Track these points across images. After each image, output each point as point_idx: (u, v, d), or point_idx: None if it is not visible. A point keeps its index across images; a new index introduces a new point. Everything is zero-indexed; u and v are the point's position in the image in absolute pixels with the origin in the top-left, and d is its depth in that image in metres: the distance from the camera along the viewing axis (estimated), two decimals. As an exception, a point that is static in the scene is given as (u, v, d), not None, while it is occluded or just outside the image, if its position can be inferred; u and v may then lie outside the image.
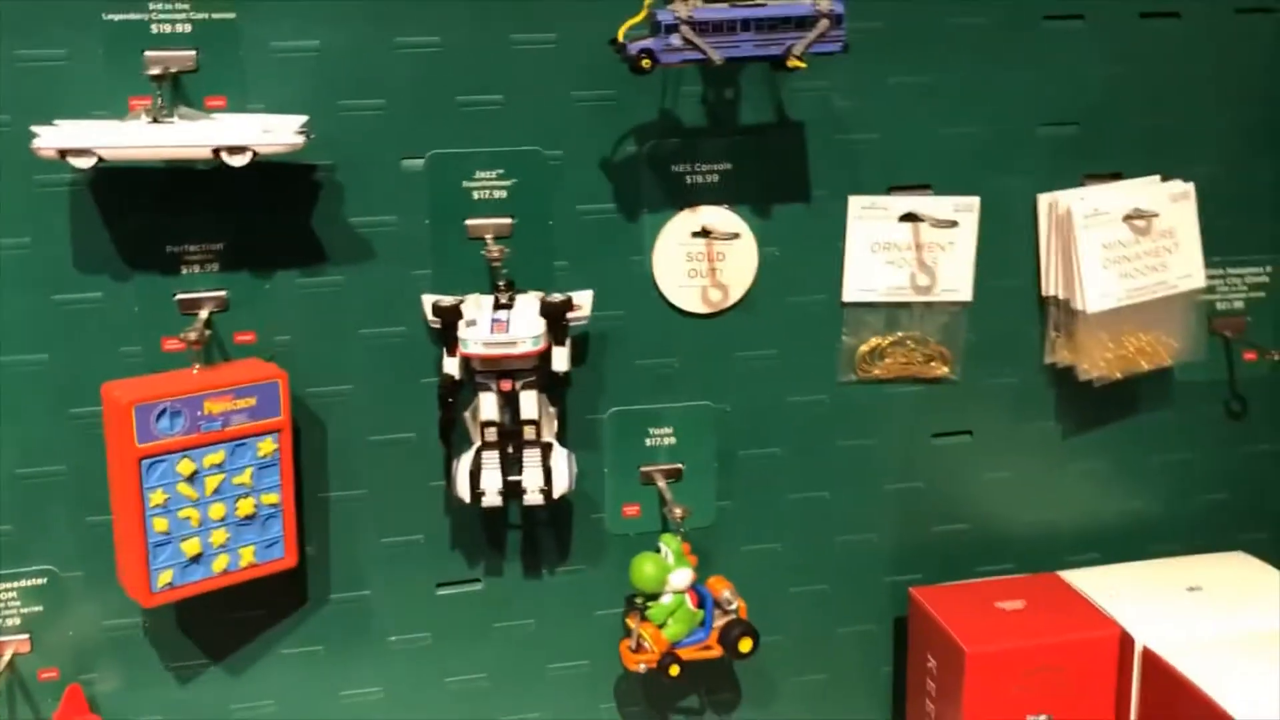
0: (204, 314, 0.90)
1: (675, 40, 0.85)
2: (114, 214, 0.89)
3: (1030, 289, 1.05)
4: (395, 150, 0.93)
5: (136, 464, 0.84)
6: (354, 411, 0.96)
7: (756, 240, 0.99)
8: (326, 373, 0.94)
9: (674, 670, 0.95)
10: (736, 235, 0.98)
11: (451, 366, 0.92)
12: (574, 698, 1.05)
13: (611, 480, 1.01)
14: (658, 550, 0.97)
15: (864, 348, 1.03)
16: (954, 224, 1.00)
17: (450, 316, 0.90)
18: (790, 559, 1.06)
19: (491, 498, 0.92)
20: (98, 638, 0.95)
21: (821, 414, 1.04)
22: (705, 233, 0.98)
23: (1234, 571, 1.07)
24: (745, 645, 0.97)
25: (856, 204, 1.00)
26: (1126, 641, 0.96)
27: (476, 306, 0.91)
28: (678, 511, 0.98)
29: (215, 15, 0.87)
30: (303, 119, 0.85)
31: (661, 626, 0.96)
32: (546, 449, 0.93)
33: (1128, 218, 1.02)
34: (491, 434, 0.93)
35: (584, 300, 0.93)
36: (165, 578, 0.87)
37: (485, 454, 0.93)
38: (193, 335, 0.87)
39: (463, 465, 0.93)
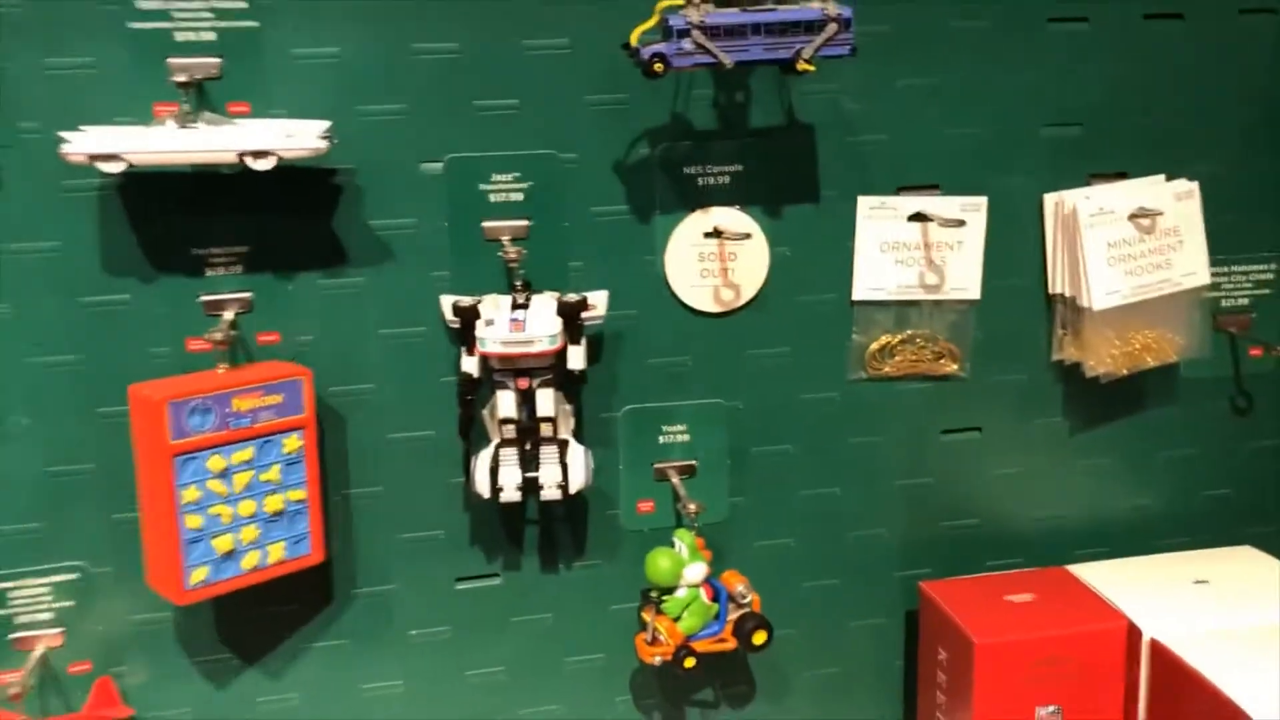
0: (229, 315, 0.92)
1: (687, 45, 0.87)
2: (140, 218, 0.91)
3: (1037, 287, 1.07)
4: (414, 154, 0.95)
5: (170, 461, 0.85)
6: (375, 410, 0.98)
7: (767, 240, 1.01)
8: (348, 372, 0.97)
9: (689, 662, 0.97)
10: (748, 236, 1.00)
11: (470, 365, 0.94)
12: (590, 690, 1.07)
13: (626, 477, 1.03)
14: (672, 545, 0.99)
15: (874, 346, 1.05)
16: (962, 223, 1.02)
17: (469, 316, 0.92)
18: (802, 554, 1.08)
19: (510, 493, 0.94)
20: (127, 631, 0.97)
21: (832, 411, 1.06)
22: (717, 233, 0.99)
23: (1240, 565, 1.08)
24: (759, 638, 0.98)
25: (866, 204, 1.02)
26: (1134, 633, 0.97)
27: (494, 306, 0.93)
28: (691, 507, 1.00)
29: (238, 24, 0.90)
30: (325, 124, 0.87)
31: (676, 620, 0.97)
32: (563, 445, 0.95)
33: (1133, 216, 1.04)
34: (509, 431, 0.95)
35: (599, 300, 0.95)
36: (199, 575, 0.88)
37: (503, 451, 0.95)
38: (219, 336, 0.89)
39: (482, 462, 0.95)
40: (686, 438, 1.03)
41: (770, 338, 1.03)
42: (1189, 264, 1.06)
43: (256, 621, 0.99)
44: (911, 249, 1.03)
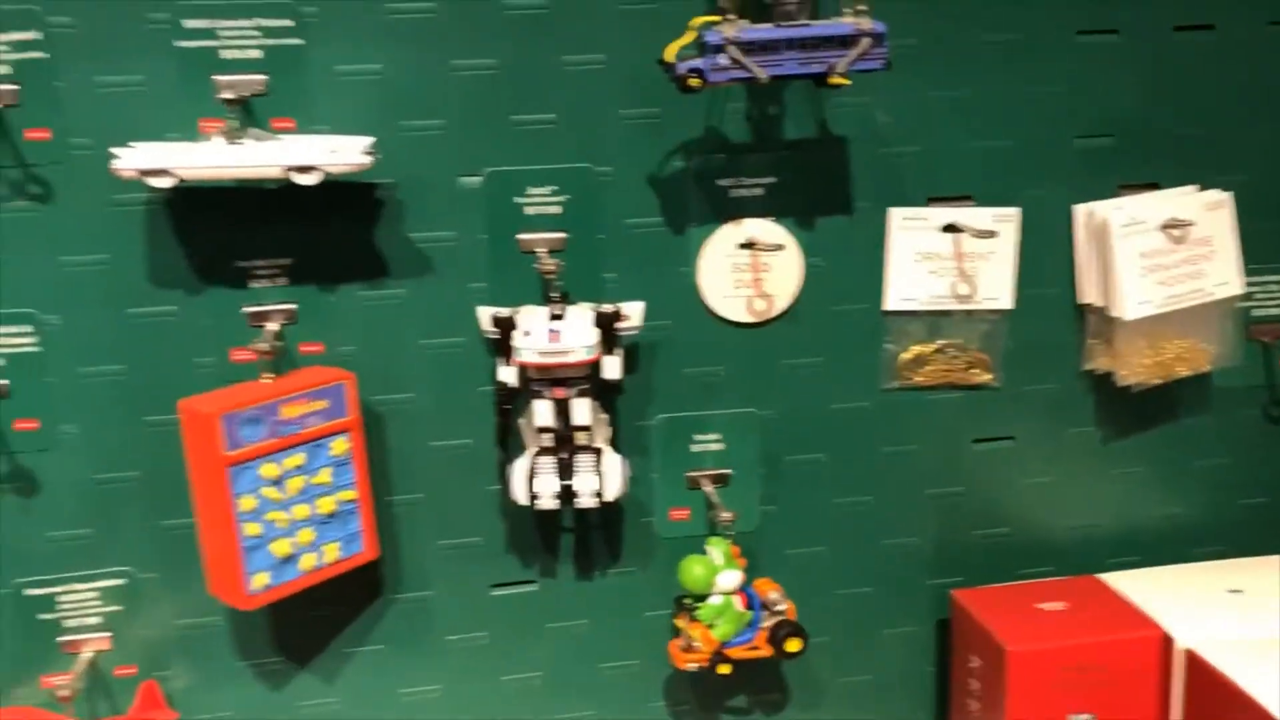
0: (274, 326, 0.94)
1: (722, 60, 0.88)
2: (186, 231, 0.94)
3: (1069, 297, 1.07)
4: (453, 168, 0.96)
5: (225, 472, 0.87)
6: (414, 419, 0.99)
7: (800, 251, 1.02)
8: (388, 382, 0.98)
9: (724, 669, 0.98)
10: (781, 247, 1.01)
11: (508, 375, 0.95)
12: (625, 696, 1.08)
13: (660, 484, 1.05)
14: (706, 553, 1.00)
15: (906, 355, 1.06)
16: (993, 234, 1.03)
17: (507, 327, 0.94)
18: (834, 562, 1.09)
19: (547, 501, 0.96)
20: (173, 636, 0.99)
21: (864, 420, 1.06)
22: (750, 245, 1.01)
23: (1275, 575, 1.08)
24: (793, 645, 0.99)
25: (898, 215, 1.03)
26: (1168, 643, 0.98)
27: (531, 317, 0.94)
28: (725, 516, 1.01)
29: (284, 41, 0.92)
30: (369, 140, 0.89)
31: (710, 627, 0.99)
32: (599, 454, 0.97)
33: (1164, 227, 1.04)
34: (546, 440, 0.96)
35: (634, 311, 0.96)
36: (260, 580, 0.90)
37: (540, 459, 0.96)
38: (264, 347, 0.91)
39: (519, 470, 0.97)
40: (720, 446, 1.04)
41: (803, 347, 1.04)
42: (1221, 274, 1.07)
43: (299, 626, 1.01)
44: (944, 259, 1.04)
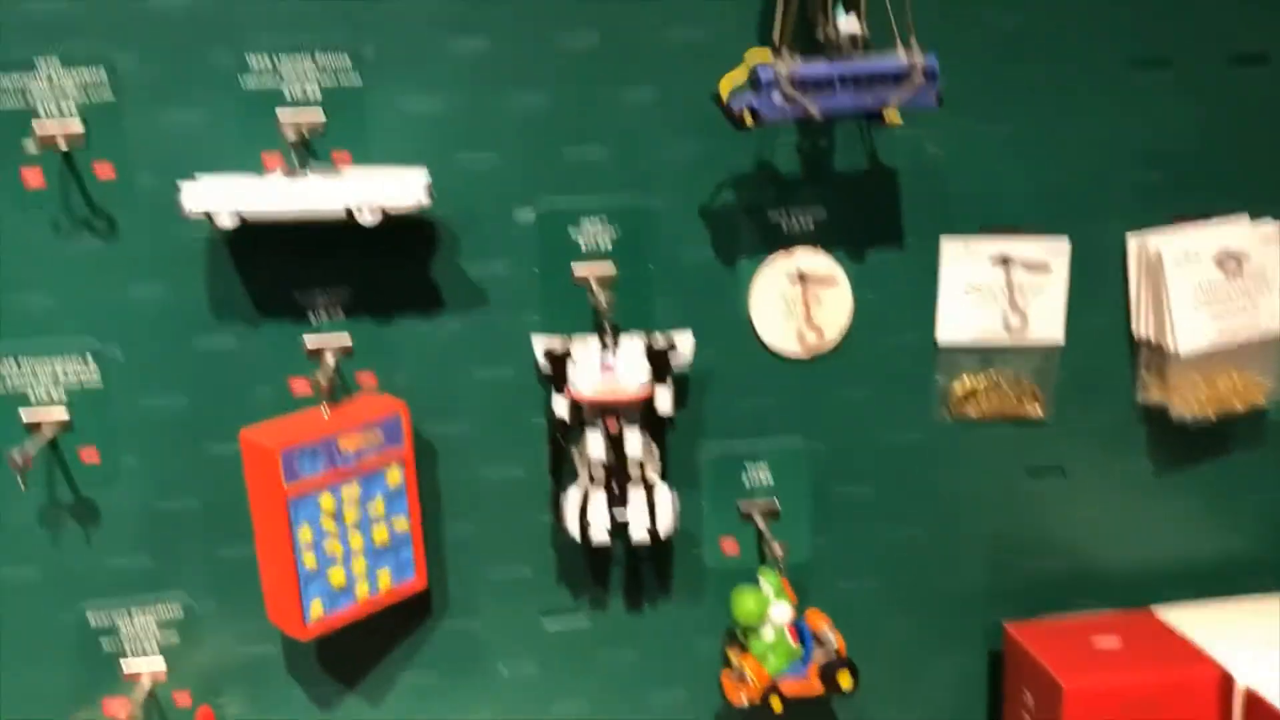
0: (332, 359, 0.95)
1: (777, 97, 0.89)
2: (246, 264, 0.95)
3: (1121, 329, 1.07)
4: (507, 202, 0.97)
5: (285, 504, 0.89)
6: (467, 449, 1.00)
7: (851, 284, 1.02)
8: (442, 412, 0.99)
9: (776, 703, 0.98)
10: (831, 279, 1.01)
11: (560, 407, 0.96)
12: (674, 728, 1.08)
13: (710, 516, 1.05)
14: (757, 585, 1.00)
15: (957, 388, 1.05)
16: (1045, 267, 1.03)
17: (559, 359, 0.95)
18: (885, 595, 1.08)
19: (600, 535, 0.96)
20: (228, 662, 1.00)
21: (916, 453, 1.06)
22: (801, 277, 1.01)
23: (1333, 611, 1.07)
24: (846, 681, 0.99)
25: (949, 247, 1.03)
26: (1228, 681, 0.96)
27: (584, 349, 0.95)
28: (776, 548, 1.01)
29: (343, 80, 0.93)
30: (424, 174, 0.90)
31: (762, 659, 0.98)
32: (651, 487, 0.97)
33: (1218, 259, 1.04)
34: (598, 472, 0.97)
35: (685, 343, 0.97)
36: (317, 610, 0.91)
37: (592, 491, 0.97)
38: (323, 379, 0.93)
39: (571, 502, 0.97)
40: (770, 479, 1.05)
41: (853, 380, 1.04)
42: (1276, 307, 1.06)
43: (351, 654, 1.02)
44: (995, 292, 1.04)
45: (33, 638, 0.98)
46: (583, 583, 1.05)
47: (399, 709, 1.04)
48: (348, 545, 0.92)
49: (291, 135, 0.91)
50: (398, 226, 0.95)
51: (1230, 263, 1.04)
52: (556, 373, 0.95)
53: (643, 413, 0.95)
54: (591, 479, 0.97)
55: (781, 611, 0.99)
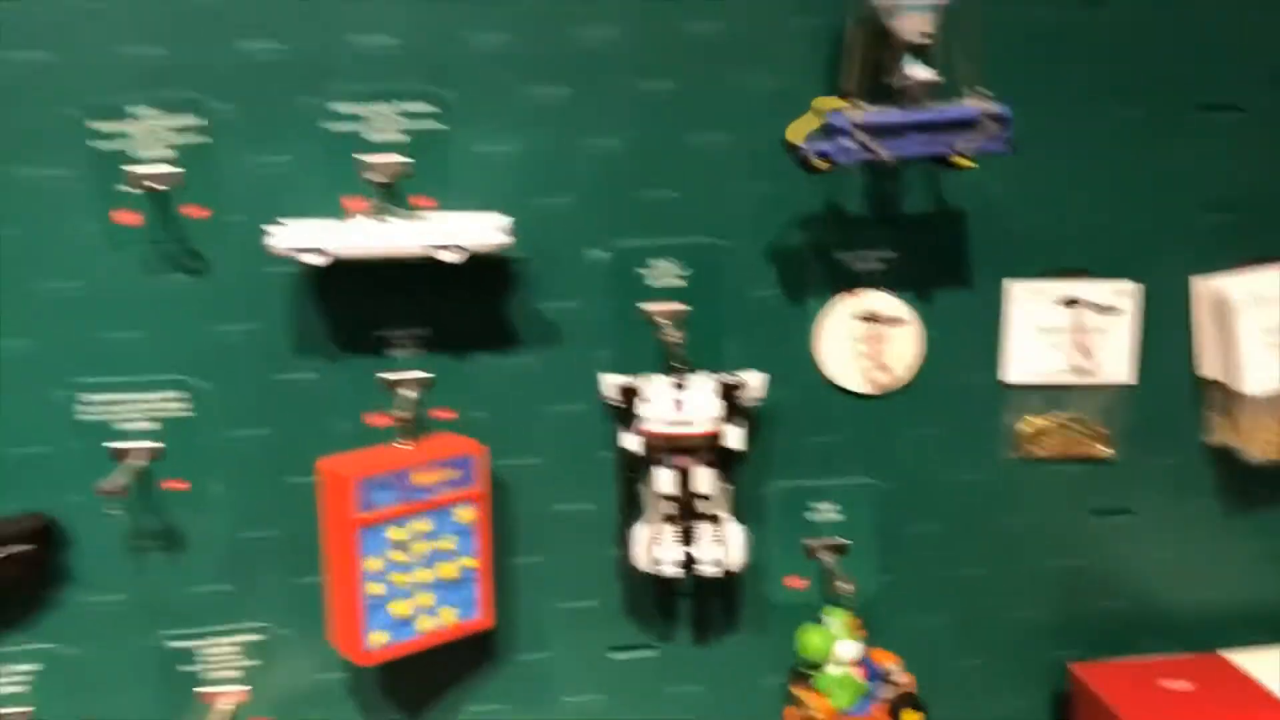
0: (410, 393, 0.98)
1: (849, 142, 0.91)
2: (329, 302, 0.98)
3: (1189, 370, 1.07)
4: (581, 242, 1.00)
5: (355, 532, 0.91)
6: (539, 483, 1.02)
7: (919, 323, 1.03)
8: (516, 447, 1.01)
9: (842, 741, 0.99)
10: (899, 319, 1.03)
11: (631, 442, 0.98)
12: (739, 762, 1.09)
13: (777, 552, 1.06)
14: (823, 622, 1.01)
15: (1025, 428, 1.06)
16: (1113, 308, 1.03)
17: (630, 396, 0.97)
18: (951, 633, 1.09)
19: (669, 568, 0.98)
20: (306, 689, 1.03)
21: (983, 492, 1.07)
22: (870, 317, 1.02)
23: None
24: (911, 718, 0.99)
25: (1017, 288, 1.04)
26: (1301, 727, 0.96)
27: (654, 386, 0.97)
28: (844, 586, 1.01)
29: (425, 124, 0.96)
30: (506, 218, 0.93)
31: (828, 696, 0.99)
32: (720, 523, 0.98)
33: (1289, 301, 1.04)
34: (668, 507, 0.98)
35: (756, 381, 0.98)
36: (378, 639, 0.94)
37: (662, 527, 0.98)
38: (403, 414, 0.95)
39: (640, 538, 0.99)
40: (837, 516, 1.05)
41: (921, 419, 1.05)
42: (1348, 349, 1.05)
43: (419, 683, 1.04)
44: (1063, 333, 1.04)
45: (116, 663, 1.00)
46: (650, 616, 1.06)
47: (468, 738, 1.06)
48: (414, 578, 0.94)
49: (379, 178, 0.94)
50: (475, 266, 0.97)
51: (1300, 305, 1.04)
52: (627, 408, 0.97)
53: (714, 449, 0.97)
54: (661, 514, 0.99)
55: (848, 649, 0.99)
